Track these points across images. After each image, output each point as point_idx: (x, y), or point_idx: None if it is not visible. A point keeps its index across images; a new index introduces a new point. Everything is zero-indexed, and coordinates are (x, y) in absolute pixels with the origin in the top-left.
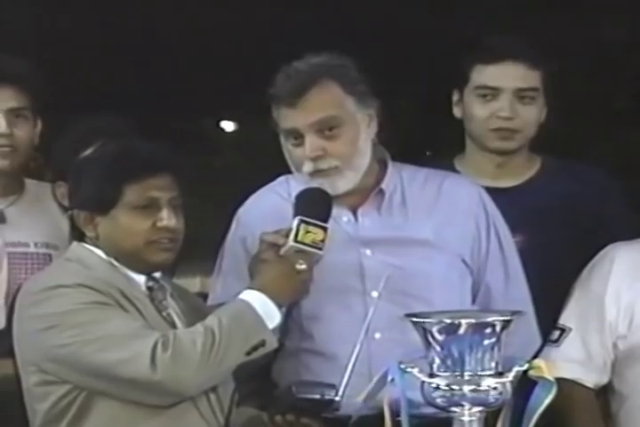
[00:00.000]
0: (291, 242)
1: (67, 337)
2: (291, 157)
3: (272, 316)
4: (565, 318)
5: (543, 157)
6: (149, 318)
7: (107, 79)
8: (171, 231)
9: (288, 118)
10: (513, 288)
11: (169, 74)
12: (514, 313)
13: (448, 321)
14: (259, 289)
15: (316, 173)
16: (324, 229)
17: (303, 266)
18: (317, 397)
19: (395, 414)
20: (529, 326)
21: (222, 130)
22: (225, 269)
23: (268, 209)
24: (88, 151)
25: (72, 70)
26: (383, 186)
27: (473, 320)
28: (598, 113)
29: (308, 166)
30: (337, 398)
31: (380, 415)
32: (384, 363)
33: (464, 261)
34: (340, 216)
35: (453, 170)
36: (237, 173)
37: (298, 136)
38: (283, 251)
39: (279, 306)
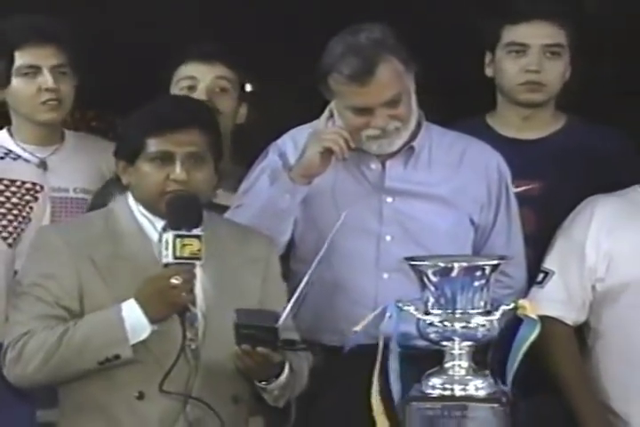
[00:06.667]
0: (171, 260)
1: (12, 304)
2: (348, 122)
3: (140, 331)
4: (549, 262)
5: (569, 116)
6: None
7: (116, 33)
8: (183, 184)
9: (358, 96)
10: (512, 247)
11: (179, 30)
12: (501, 257)
13: (442, 264)
14: (139, 302)
15: (377, 135)
16: (199, 237)
17: (177, 281)
18: (257, 324)
19: (388, 346)
20: (523, 274)
21: None
22: (257, 172)
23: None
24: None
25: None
26: (414, 144)
27: (465, 264)
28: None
29: (373, 131)
30: (277, 326)
31: (376, 345)
32: (387, 300)
33: (471, 220)
34: (370, 164)
35: (484, 124)
36: (249, 130)
37: (365, 109)
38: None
39: (152, 320)
